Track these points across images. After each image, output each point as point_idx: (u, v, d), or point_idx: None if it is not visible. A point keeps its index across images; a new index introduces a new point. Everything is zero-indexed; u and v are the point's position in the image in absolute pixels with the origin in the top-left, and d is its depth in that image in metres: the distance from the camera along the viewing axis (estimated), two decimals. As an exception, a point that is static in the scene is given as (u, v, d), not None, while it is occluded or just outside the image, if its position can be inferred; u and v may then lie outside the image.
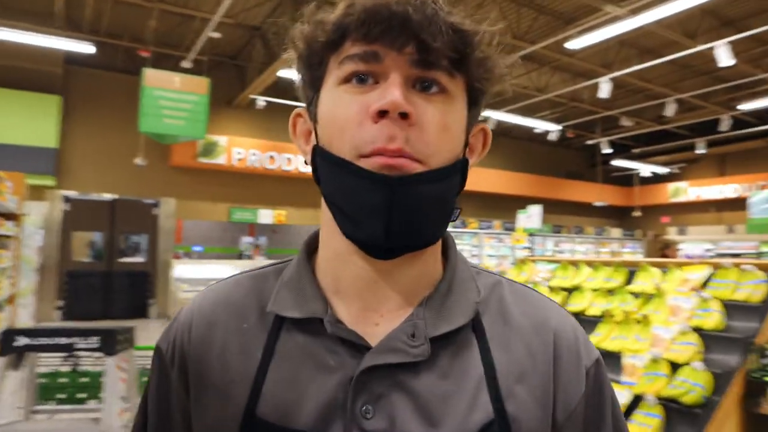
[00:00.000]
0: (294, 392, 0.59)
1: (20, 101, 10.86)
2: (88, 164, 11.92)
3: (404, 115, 0.55)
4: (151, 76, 9.49)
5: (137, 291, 12.33)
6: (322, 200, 0.63)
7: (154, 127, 9.40)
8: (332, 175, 0.59)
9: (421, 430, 0.56)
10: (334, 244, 0.63)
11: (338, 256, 0.63)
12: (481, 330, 0.62)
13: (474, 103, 0.63)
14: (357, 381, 0.57)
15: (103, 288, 11.94)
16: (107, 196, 12.17)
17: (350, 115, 0.57)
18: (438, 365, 0.59)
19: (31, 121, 10.90)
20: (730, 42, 9.09)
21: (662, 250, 7.23)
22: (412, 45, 0.55)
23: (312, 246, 0.69)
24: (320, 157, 0.61)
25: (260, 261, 12.71)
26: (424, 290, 0.63)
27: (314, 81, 0.63)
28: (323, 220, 0.65)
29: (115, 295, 12.03)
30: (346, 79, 0.58)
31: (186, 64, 10.84)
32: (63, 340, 1.95)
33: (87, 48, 9.99)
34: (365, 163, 0.56)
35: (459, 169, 0.60)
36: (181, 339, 0.66)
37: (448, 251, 0.68)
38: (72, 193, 11.70)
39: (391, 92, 0.55)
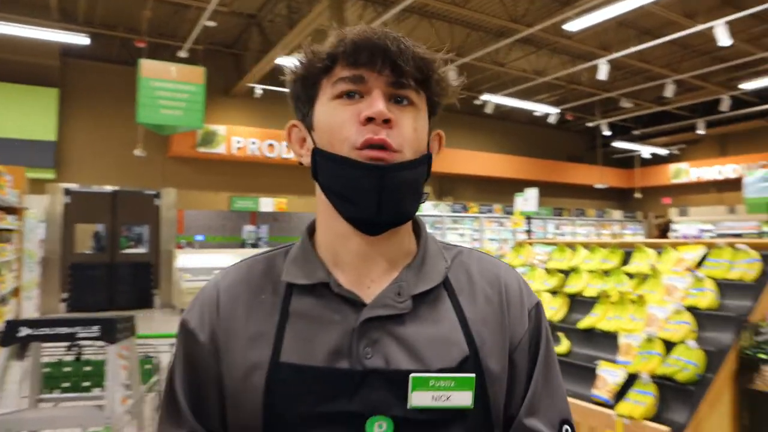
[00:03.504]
0: (309, 341, 0.74)
1: (18, 95, 10.85)
2: (88, 156, 11.92)
3: (386, 121, 0.73)
4: (147, 66, 9.46)
5: (141, 281, 12.40)
6: (318, 192, 0.80)
7: (151, 117, 9.39)
8: (332, 168, 0.76)
9: (410, 365, 0.73)
10: (332, 227, 0.80)
11: (336, 236, 0.80)
12: (450, 287, 0.81)
13: (433, 113, 0.82)
14: (359, 330, 0.74)
15: (107, 279, 12.01)
16: (108, 188, 12.20)
17: (345, 120, 0.75)
18: (419, 316, 0.77)
19: (29, 114, 10.90)
20: (730, 21, 9.02)
21: (663, 232, 7.18)
22: (389, 69, 0.74)
23: (311, 230, 0.86)
24: (320, 156, 0.77)
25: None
26: (403, 260, 0.81)
27: (309, 98, 0.80)
28: (319, 208, 0.82)
29: (119, 286, 12.11)
30: (339, 96, 0.76)
31: (182, 53, 10.80)
32: (64, 330, 1.99)
33: (82, 40, 9.96)
34: (358, 155, 0.73)
35: (425, 160, 0.79)
36: (209, 312, 0.80)
37: (420, 231, 0.86)
38: (72, 186, 11.73)
39: (377, 104, 0.73)
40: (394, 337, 0.74)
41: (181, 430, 0.77)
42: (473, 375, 0.74)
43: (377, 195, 0.73)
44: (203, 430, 0.77)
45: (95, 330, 2.03)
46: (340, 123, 0.75)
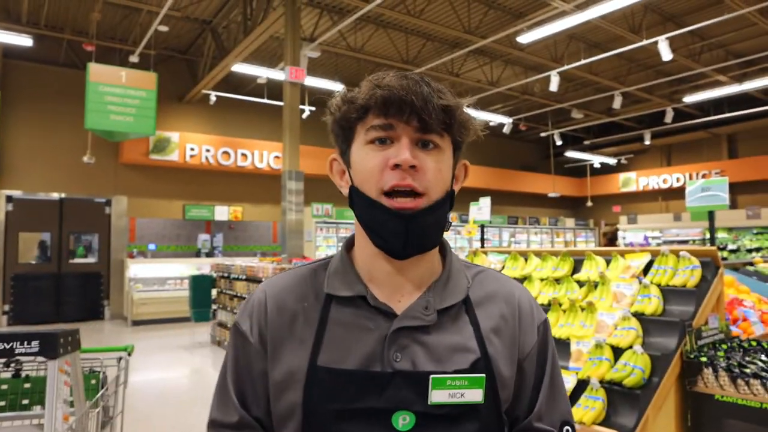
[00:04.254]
0: (345, 346, 0.86)
1: (-44, 98, 10.34)
2: (33, 163, 11.44)
3: (412, 167, 0.84)
4: (96, 71, 9.17)
5: (90, 292, 11.94)
6: (355, 218, 0.91)
7: (100, 123, 9.10)
8: (365, 207, 0.87)
9: (432, 367, 0.85)
10: (367, 249, 0.92)
11: (371, 257, 0.92)
12: (469, 303, 0.93)
13: (457, 149, 0.92)
14: (390, 337, 0.86)
15: (54, 290, 11.52)
16: (55, 196, 11.74)
17: (375, 166, 0.85)
18: (442, 327, 0.89)
19: (-32, 118, 10.39)
20: (671, 37, 9.41)
21: (610, 241, 7.53)
22: (415, 119, 0.84)
23: (349, 245, 0.98)
24: (355, 194, 0.89)
25: (220, 259, 12.49)
26: (430, 279, 0.93)
27: (346, 139, 0.91)
28: (357, 232, 0.94)
29: (67, 298, 11.62)
30: (371, 141, 0.87)
31: (133, 58, 10.51)
32: (0, 346, 1.89)
33: (24, 41, 9.57)
34: (387, 202, 0.84)
35: (448, 198, 0.90)
36: (258, 315, 0.92)
37: (445, 252, 0.98)
38: (16, 193, 11.24)
39: (404, 152, 0.84)
40: (420, 344, 0.86)
41: (231, 418, 0.90)
42: (483, 375, 0.86)
43: (403, 236, 0.85)
44: (250, 418, 0.89)
45: (34, 345, 1.94)
46: (371, 168, 0.86)
